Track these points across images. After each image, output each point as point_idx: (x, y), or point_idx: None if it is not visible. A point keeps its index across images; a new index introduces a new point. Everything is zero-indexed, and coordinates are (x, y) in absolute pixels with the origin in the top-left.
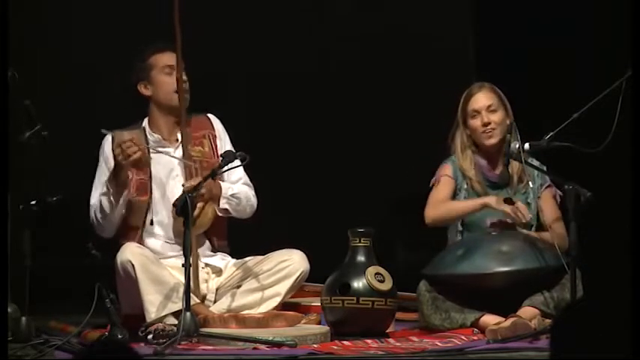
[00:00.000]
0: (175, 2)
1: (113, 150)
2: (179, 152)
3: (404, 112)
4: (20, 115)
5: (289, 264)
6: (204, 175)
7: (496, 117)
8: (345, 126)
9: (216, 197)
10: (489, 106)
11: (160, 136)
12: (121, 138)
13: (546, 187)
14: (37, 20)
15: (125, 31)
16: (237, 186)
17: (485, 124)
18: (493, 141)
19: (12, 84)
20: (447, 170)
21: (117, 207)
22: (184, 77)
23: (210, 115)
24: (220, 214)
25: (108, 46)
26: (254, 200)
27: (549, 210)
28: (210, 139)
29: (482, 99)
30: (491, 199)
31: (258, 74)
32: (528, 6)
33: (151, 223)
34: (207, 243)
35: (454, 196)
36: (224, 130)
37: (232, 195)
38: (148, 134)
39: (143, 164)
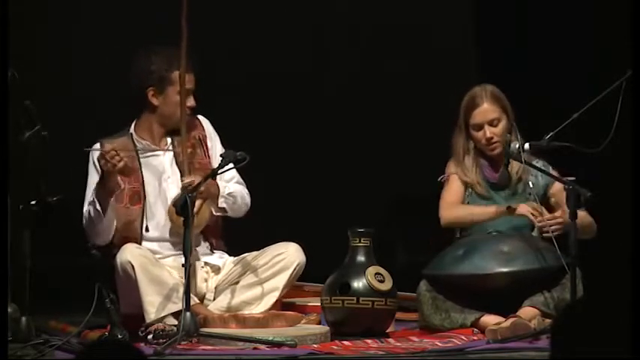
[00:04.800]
0: (184, 7)
1: (98, 160)
2: (169, 155)
3: (404, 112)
4: (20, 115)
5: (285, 257)
6: (199, 175)
7: (498, 129)
8: (345, 126)
9: (213, 196)
10: (492, 121)
11: (147, 142)
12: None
13: (554, 183)
14: (37, 20)
15: (126, 31)
16: (231, 185)
17: (489, 139)
18: (497, 152)
19: (12, 84)
20: (454, 168)
21: (105, 215)
22: (193, 102)
23: (200, 117)
24: (217, 214)
25: (108, 46)
26: (248, 199)
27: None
28: (201, 140)
29: (484, 113)
30: (503, 209)
31: (259, 73)
32: (528, 6)
33: (147, 229)
34: (206, 242)
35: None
36: (214, 132)
37: (229, 194)
38: (135, 141)
39: (131, 171)
